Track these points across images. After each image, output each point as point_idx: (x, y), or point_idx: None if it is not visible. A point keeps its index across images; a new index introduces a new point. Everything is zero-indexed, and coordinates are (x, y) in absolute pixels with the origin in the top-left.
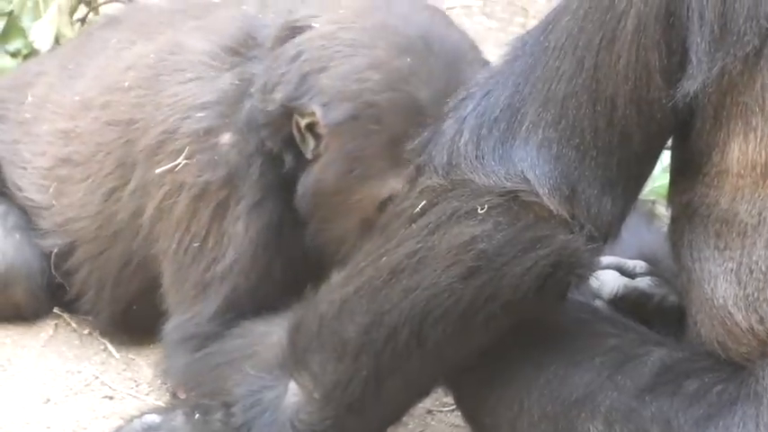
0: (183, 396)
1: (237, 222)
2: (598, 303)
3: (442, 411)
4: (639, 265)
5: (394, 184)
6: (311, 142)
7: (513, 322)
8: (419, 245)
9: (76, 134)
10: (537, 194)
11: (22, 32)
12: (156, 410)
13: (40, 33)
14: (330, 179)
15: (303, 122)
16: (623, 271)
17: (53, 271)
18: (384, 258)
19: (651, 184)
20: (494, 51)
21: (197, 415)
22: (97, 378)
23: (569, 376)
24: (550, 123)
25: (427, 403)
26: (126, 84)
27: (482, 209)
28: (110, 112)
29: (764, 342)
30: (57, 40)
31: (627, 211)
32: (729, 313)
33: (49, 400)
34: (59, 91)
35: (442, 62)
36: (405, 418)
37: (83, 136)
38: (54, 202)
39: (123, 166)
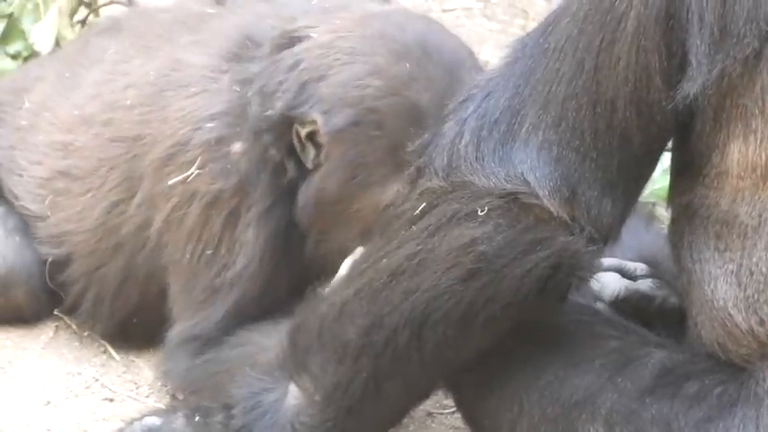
0: (182, 398)
1: (248, 229)
2: (599, 305)
3: (442, 413)
4: (640, 267)
5: (396, 189)
6: (311, 151)
7: (513, 324)
8: (419, 247)
9: (75, 148)
10: (537, 196)
11: (23, 34)
12: (157, 413)
13: (40, 35)
14: (332, 188)
15: (303, 131)
16: (624, 273)
17: (48, 280)
18: (384, 260)
19: (651, 186)
20: (494, 53)
21: (197, 417)
22: (97, 380)
23: (569, 378)
24: (550, 125)
25: (427, 405)
26: (128, 102)
27: (482, 211)
28: (113, 129)
29: (764, 344)
30: (57, 42)
31: (627, 213)
32: (729, 315)
33: (49, 402)
34: (56, 100)
35: (441, 68)
36: (405, 421)
37: (83, 151)
38: (49, 213)
39: (129, 180)
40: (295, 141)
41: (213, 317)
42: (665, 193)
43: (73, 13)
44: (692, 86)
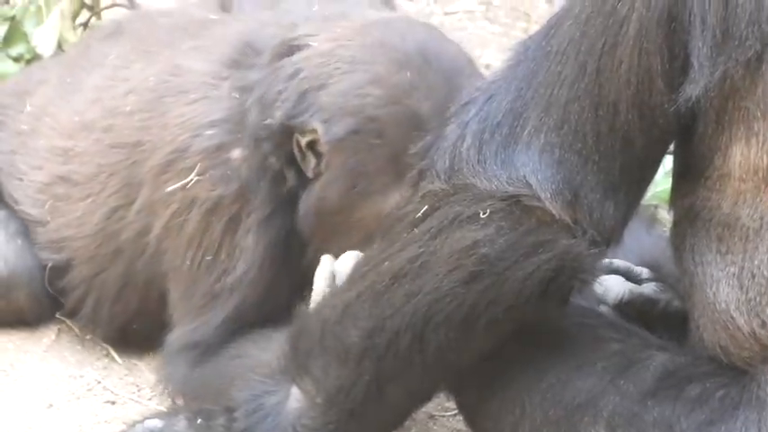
0: (181, 403)
1: (248, 235)
2: (603, 308)
3: (444, 416)
4: (645, 270)
5: (397, 198)
6: (312, 160)
7: (515, 327)
8: (421, 249)
9: (75, 154)
10: (539, 199)
11: (25, 37)
12: (159, 415)
13: (42, 38)
14: (332, 197)
15: (304, 141)
16: (630, 276)
17: (47, 285)
18: (386, 263)
19: (653, 189)
20: (496, 56)
21: (199, 420)
22: (99, 383)
23: (571, 381)
24: (552, 128)
25: (429, 408)
26: (128, 108)
27: (484, 213)
28: (113, 135)
29: (766, 347)
30: (59, 45)
31: (629, 216)
32: (731, 317)
33: (51, 405)
34: (57, 104)
35: (441, 76)
36: (407, 423)
37: (83, 156)
38: (49, 218)
39: (129, 187)
40: (295, 150)
41: (213, 322)
42: (667, 195)
43: (75, 15)
44: (694, 89)
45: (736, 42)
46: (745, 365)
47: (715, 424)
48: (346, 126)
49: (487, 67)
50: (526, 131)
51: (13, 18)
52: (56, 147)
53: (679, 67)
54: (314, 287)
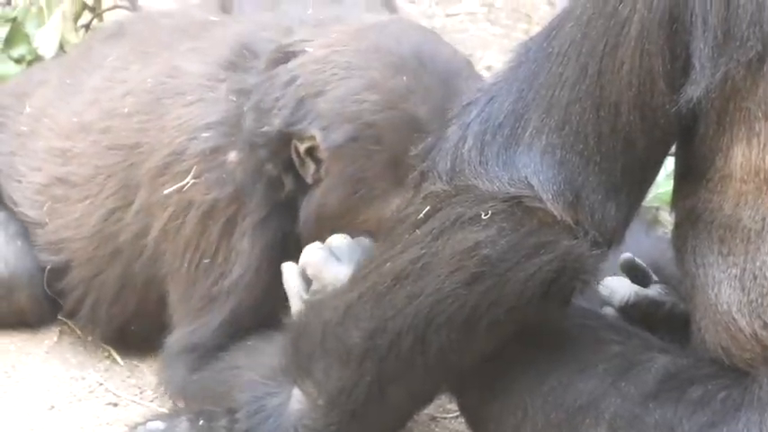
0: (182, 405)
1: (244, 239)
2: (608, 311)
3: (446, 418)
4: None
5: (398, 202)
6: (311, 167)
7: (516, 328)
8: (423, 251)
9: (74, 155)
10: (541, 200)
11: (27, 39)
12: (160, 417)
13: (44, 39)
14: (333, 203)
15: (302, 147)
16: (637, 269)
17: (46, 287)
18: (388, 264)
19: (655, 191)
20: (498, 58)
21: (201, 421)
22: (101, 385)
23: (573, 383)
24: (554, 129)
25: (431, 410)
26: (126, 110)
27: (486, 214)
28: (111, 137)
29: None
30: (61, 47)
31: (631, 217)
32: (733, 319)
33: (53, 407)
34: (56, 106)
35: (437, 79)
36: (409, 425)
37: (81, 158)
38: (47, 219)
39: (126, 188)
40: (294, 157)
41: (211, 324)
42: (668, 197)
43: (77, 17)
44: (695, 90)
45: (738, 43)
46: (747, 367)
47: (717, 426)
48: (345, 133)
49: (489, 68)
50: (528, 133)
51: (14, 19)
52: (54, 148)
53: (680, 68)
54: (288, 293)
